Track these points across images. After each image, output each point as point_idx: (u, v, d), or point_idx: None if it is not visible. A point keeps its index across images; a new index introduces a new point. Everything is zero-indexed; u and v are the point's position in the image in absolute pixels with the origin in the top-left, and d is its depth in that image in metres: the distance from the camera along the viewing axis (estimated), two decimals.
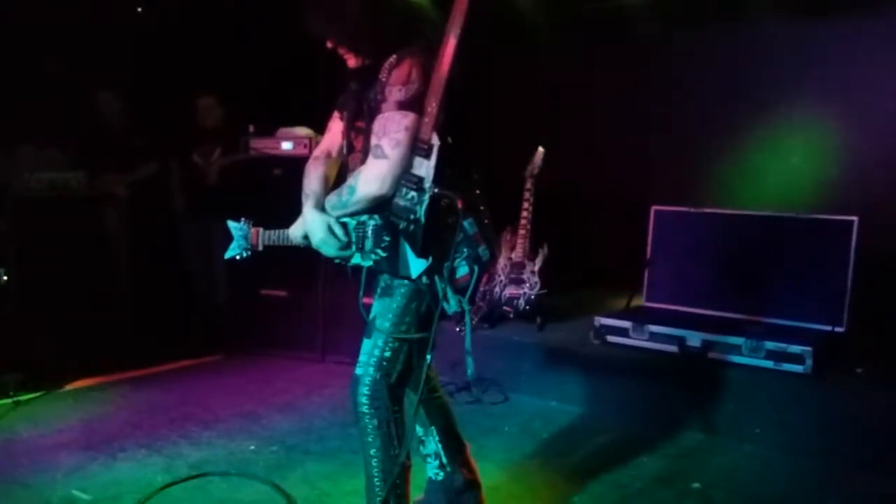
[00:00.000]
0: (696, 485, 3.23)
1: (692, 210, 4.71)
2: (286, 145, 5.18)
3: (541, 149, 4.82)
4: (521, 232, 4.80)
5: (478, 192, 2.37)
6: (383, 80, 2.26)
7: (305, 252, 2.62)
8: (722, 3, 5.05)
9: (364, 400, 2.33)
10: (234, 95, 5.57)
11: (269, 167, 5.15)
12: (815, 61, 4.83)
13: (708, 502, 3.09)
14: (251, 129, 5.35)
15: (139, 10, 5.85)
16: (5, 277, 4.44)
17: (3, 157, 4.96)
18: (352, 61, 2.39)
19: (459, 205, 2.19)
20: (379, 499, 2.36)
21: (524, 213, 4.79)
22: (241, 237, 2.58)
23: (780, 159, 4.93)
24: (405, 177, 2.20)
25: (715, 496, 3.13)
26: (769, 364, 3.78)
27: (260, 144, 5.27)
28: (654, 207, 4.83)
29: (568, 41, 5.64)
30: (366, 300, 2.44)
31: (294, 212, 2.51)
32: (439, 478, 2.64)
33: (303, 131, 5.20)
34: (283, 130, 5.27)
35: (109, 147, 5.30)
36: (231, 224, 2.60)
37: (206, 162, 5.42)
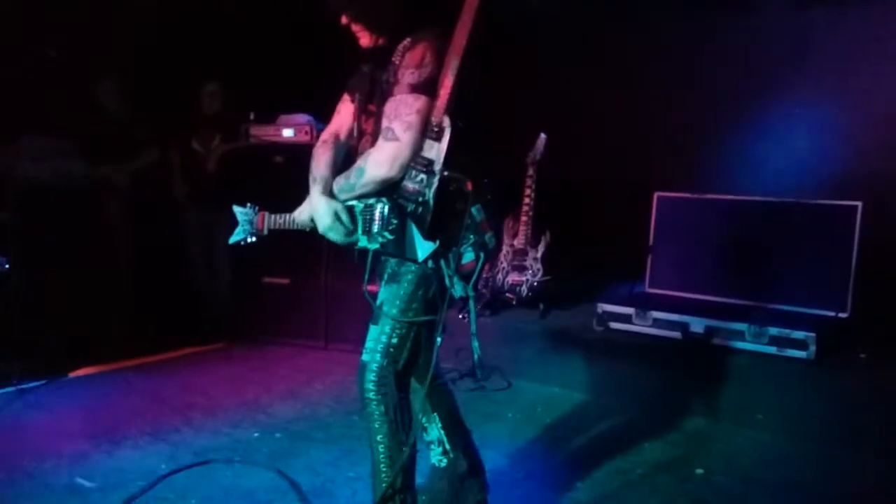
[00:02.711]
0: (699, 470, 3.23)
1: (695, 196, 4.70)
2: (287, 132, 5.15)
3: (542, 135, 4.80)
4: (524, 219, 4.79)
5: (486, 179, 2.36)
6: (396, 62, 2.25)
7: (308, 240, 2.61)
8: None
9: (371, 386, 2.33)
10: (235, 82, 5.55)
11: (269, 154, 5.13)
12: (817, 47, 4.79)
13: (710, 488, 3.10)
14: (251, 115, 5.33)
15: None
16: (7, 266, 4.44)
17: (4, 146, 4.95)
18: (364, 40, 2.37)
19: (468, 187, 2.19)
20: (385, 484, 2.37)
21: (526, 200, 4.78)
22: (245, 222, 2.57)
23: (782, 144, 4.91)
24: (415, 159, 2.20)
25: (717, 482, 3.14)
26: (772, 350, 3.79)
27: (260, 131, 5.25)
28: (656, 193, 4.83)
29: (570, 28, 5.60)
30: (371, 288, 2.43)
31: (296, 199, 2.50)
32: (442, 464, 2.64)
33: (303, 118, 5.18)
34: (283, 117, 5.24)
35: (110, 135, 5.28)
36: (237, 209, 2.58)
37: (206, 149, 5.41)
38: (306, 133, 5.07)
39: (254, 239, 2.59)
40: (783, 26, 4.89)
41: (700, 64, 5.18)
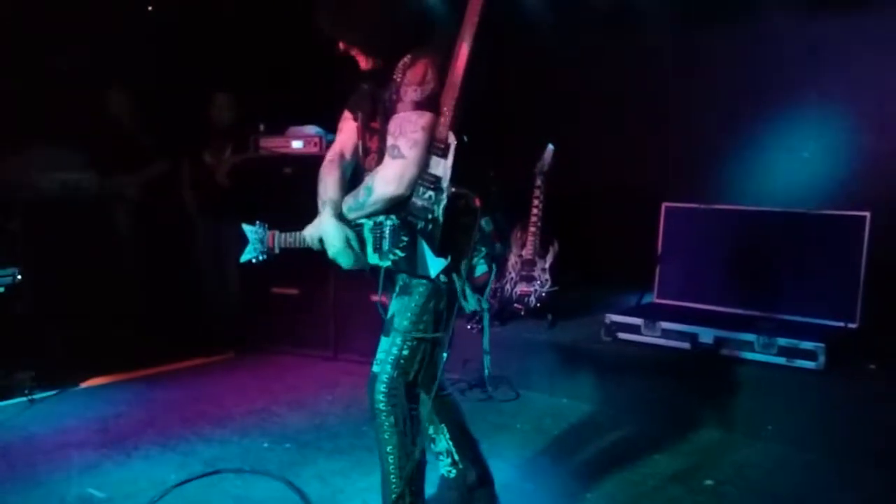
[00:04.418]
0: (709, 482, 3.22)
1: (703, 206, 4.69)
2: (296, 144, 5.17)
3: (550, 146, 4.81)
4: (532, 229, 4.80)
5: (494, 190, 2.37)
6: (398, 80, 2.26)
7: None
8: None
9: (381, 398, 2.34)
10: (244, 93, 5.58)
11: (279, 166, 5.15)
12: (825, 55, 4.79)
13: (720, 499, 3.09)
14: (261, 127, 5.36)
15: (149, 8, 5.87)
16: (19, 277, 4.48)
17: (15, 157, 4.99)
18: (363, 63, 2.37)
19: (477, 203, 2.20)
20: (395, 495, 2.38)
21: (534, 211, 4.79)
22: (256, 240, 2.56)
23: (791, 155, 4.90)
24: (422, 176, 2.21)
25: (727, 493, 3.13)
26: (781, 360, 3.76)
27: (269, 143, 5.27)
28: (664, 204, 4.82)
29: (577, 38, 5.62)
30: (383, 299, 2.44)
31: (306, 210, 2.50)
32: (451, 475, 2.65)
33: (312, 130, 5.21)
34: (292, 129, 5.27)
35: (120, 147, 5.32)
36: (246, 227, 2.56)
37: (216, 160, 5.44)
38: (315, 144, 5.09)
39: (264, 257, 2.59)
40: (793, 35, 4.89)
41: (708, 73, 5.20)
